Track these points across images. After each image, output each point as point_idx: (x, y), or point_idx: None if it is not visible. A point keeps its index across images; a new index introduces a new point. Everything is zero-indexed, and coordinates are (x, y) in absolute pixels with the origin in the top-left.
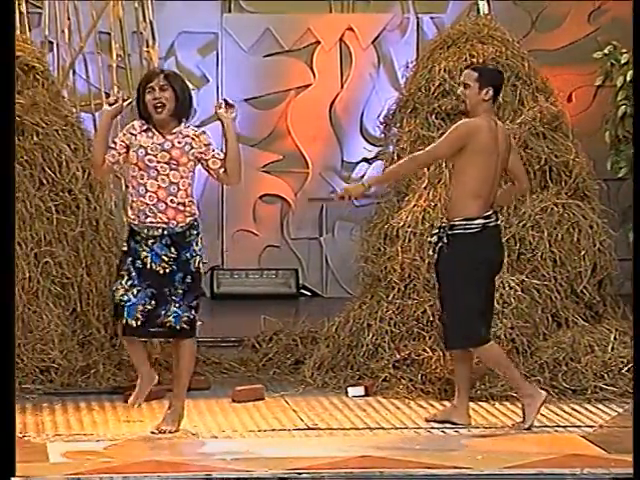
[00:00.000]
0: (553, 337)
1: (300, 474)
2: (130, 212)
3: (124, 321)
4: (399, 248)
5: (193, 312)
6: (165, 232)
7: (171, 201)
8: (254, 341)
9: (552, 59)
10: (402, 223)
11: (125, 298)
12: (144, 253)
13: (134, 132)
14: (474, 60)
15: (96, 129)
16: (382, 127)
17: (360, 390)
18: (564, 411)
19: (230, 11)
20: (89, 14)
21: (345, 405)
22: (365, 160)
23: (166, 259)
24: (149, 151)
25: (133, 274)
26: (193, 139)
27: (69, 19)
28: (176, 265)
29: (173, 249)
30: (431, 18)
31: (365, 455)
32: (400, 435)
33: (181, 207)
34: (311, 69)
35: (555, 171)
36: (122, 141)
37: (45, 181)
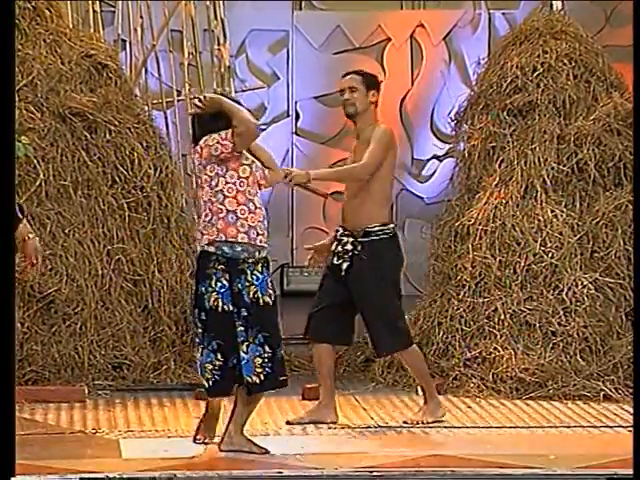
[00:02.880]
0: (627, 336)
1: (371, 472)
2: (232, 230)
3: (247, 381)
4: (470, 246)
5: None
6: (267, 253)
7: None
8: None
9: (627, 55)
10: (473, 221)
11: (242, 355)
12: (253, 288)
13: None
14: (547, 56)
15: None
16: (453, 124)
17: None
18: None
19: (301, 9)
20: (161, 12)
21: (415, 404)
22: (436, 157)
23: (270, 286)
24: (259, 166)
25: (240, 328)
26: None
27: (141, 17)
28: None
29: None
30: (503, 14)
31: (436, 454)
32: (471, 434)
33: None
34: (381, 66)
35: (630, 168)
36: None
37: (117, 179)
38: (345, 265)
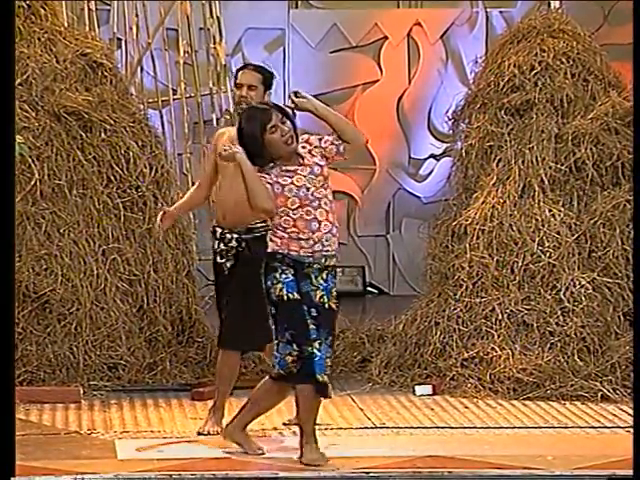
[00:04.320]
0: (625, 336)
1: (367, 473)
2: (295, 246)
3: (317, 379)
4: (467, 245)
5: None
6: (335, 260)
7: (336, 219)
8: None
9: (625, 53)
10: (470, 220)
11: (315, 352)
12: (319, 292)
13: (271, 181)
14: (545, 55)
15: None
16: (450, 123)
17: (428, 389)
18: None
19: (297, 7)
20: (157, 11)
21: (412, 404)
22: (433, 156)
23: (335, 294)
24: (308, 185)
25: (311, 325)
26: (319, 147)
27: (137, 16)
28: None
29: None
30: (500, 12)
31: (433, 455)
32: (468, 435)
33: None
34: (378, 65)
35: (627, 167)
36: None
37: (113, 178)
38: (229, 263)
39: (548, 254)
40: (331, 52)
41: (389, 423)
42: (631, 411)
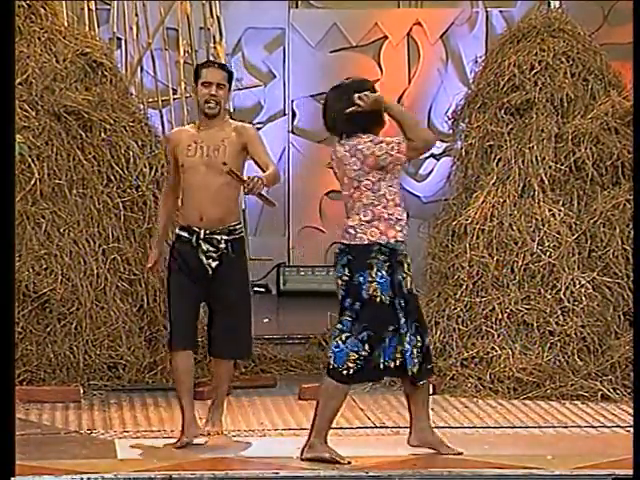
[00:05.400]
0: (625, 336)
1: (367, 473)
2: (392, 233)
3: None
4: (467, 245)
5: None
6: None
7: None
8: (320, 338)
9: (625, 53)
10: (470, 220)
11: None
12: (409, 279)
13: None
14: (545, 54)
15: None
16: (450, 123)
17: None
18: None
19: (297, 7)
20: (157, 11)
21: None
22: (433, 156)
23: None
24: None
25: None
26: None
27: (137, 16)
28: None
29: None
30: (500, 12)
31: (433, 454)
32: (468, 434)
33: None
34: (378, 64)
35: (628, 167)
36: None
37: (113, 178)
38: (215, 264)
39: (548, 254)
40: (331, 52)
41: (389, 423)
42: (631, 411)
